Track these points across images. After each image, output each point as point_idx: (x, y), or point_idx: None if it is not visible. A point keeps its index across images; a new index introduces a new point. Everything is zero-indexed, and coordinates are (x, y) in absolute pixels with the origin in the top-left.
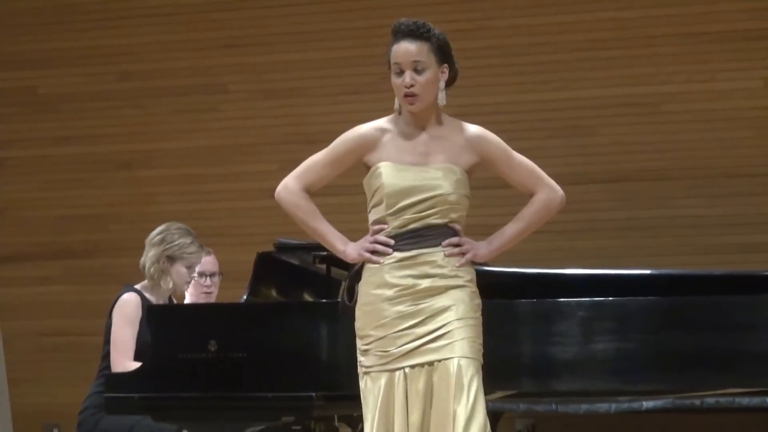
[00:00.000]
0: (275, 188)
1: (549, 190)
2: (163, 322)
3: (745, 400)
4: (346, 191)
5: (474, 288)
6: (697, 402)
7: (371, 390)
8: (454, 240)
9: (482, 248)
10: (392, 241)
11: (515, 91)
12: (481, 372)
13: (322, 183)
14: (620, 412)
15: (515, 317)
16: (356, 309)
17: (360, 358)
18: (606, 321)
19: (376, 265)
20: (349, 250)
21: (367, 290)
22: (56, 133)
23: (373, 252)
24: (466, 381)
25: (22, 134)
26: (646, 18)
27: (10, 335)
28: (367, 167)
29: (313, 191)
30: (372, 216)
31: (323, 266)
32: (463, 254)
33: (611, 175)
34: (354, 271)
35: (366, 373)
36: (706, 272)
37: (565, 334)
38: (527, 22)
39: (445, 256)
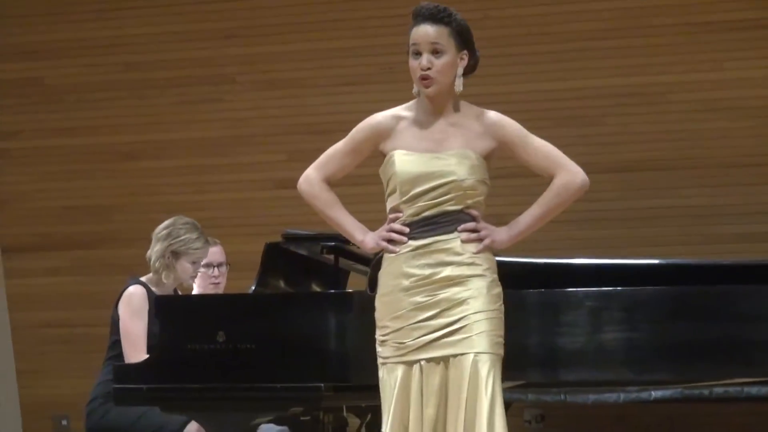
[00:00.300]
0: (281, 178)
1: (568, 174)
2: (171, 313)
3: (753, 390)
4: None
5: (493, 276)
6: (706, 392)
7: (387, 381)
8: (470, 225)
9: (502, 234)
10: (407, 229)
11: (517, 81)
12: (499, 366)
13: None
14: (629, 402)
15: (523, 307)
16: (376, 299)
17: (378, 348)
18: (614, 311)
19: (393, 255)
20: (367, 239)
21: (386, 280)
22: (61, 123)
23: (389, 241)
24: (483, 376)
25: (27, 125)
26: (649, 8)
27: (17, 326)
28: (384, 155)
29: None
30: (389, 205)
31: (331, 257)
32: (480, 240)
33: (615, 165)
34: (375, 261)
35: (383, 364)
36: (714, 262)
37: (573, 324)
38: (529, 12)
39: (462, 241)
